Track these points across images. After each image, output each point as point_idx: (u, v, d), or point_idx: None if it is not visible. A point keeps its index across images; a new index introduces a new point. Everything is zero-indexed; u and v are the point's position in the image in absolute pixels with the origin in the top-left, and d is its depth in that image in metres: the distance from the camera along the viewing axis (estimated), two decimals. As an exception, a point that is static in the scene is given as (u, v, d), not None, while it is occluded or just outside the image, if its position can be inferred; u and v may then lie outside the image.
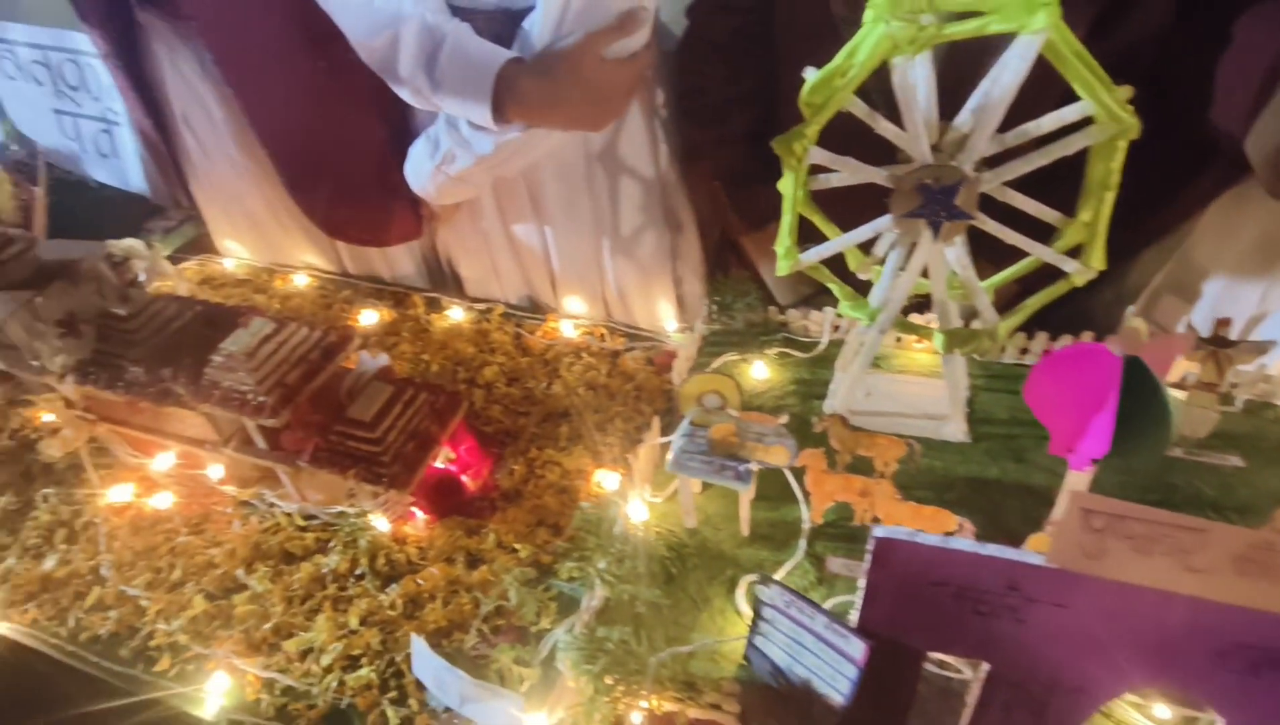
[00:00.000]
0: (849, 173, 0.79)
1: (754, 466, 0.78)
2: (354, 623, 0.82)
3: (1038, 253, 0.78)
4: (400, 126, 1.16)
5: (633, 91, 0.96)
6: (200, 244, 1.40)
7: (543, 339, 1.17)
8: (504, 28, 0.96)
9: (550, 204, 1.13)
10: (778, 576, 0.78)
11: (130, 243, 1.08)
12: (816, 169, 0.81)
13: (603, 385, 1.08)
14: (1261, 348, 0.85)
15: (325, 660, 0.79)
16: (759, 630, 0.69)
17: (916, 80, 0.72)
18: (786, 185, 0.81)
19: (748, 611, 0.76)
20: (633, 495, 0.86)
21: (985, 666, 0.61)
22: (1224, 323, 0.85)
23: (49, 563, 0.91)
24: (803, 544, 0.81)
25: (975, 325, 0.85)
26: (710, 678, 0.69)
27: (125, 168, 1.41)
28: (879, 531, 0.56)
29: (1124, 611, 0.54)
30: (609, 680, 0.68)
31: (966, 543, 0.55)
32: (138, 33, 1.16)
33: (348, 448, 0.88)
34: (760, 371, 1.02)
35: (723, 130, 1.03)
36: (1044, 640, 0.57)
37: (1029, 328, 0.95)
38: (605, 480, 0.94)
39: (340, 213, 1.21)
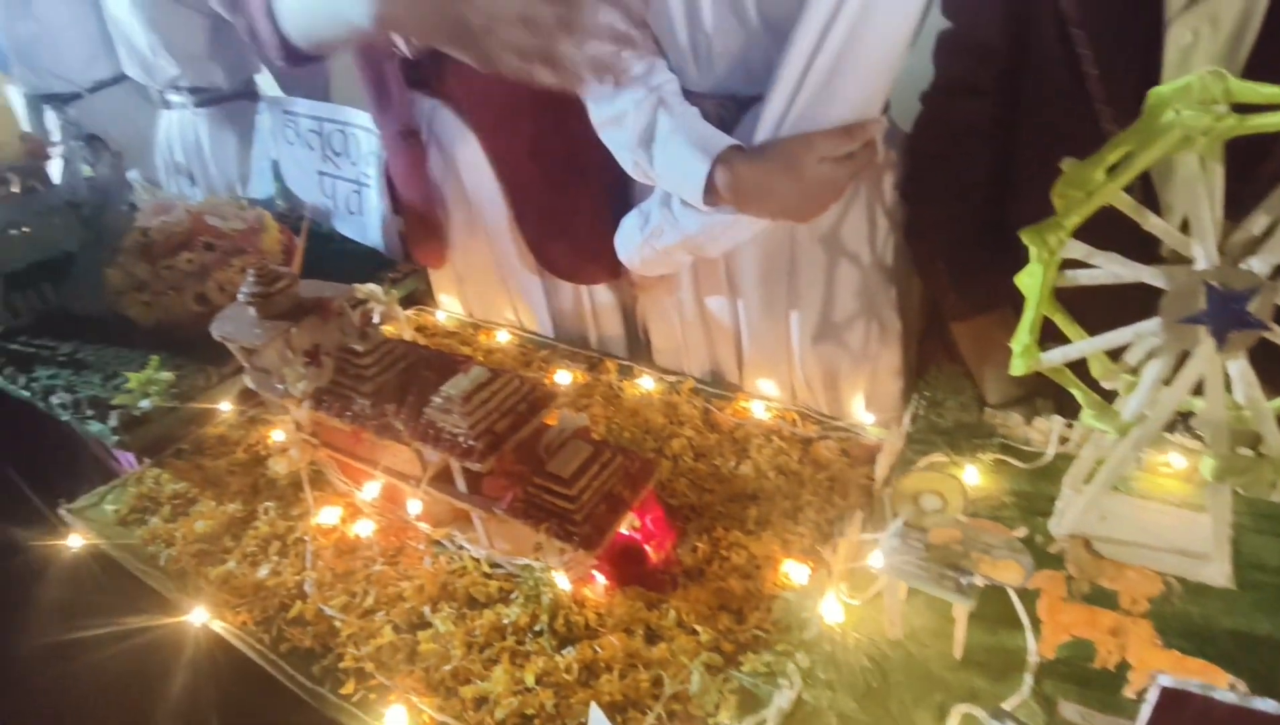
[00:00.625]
0: (1113, 270, 0.72)
1: (978, 580, 0.70)
2: (530, 680, 0.81)
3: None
4: (619, 188, 1.23)
5: (845, 190, 0.95)
6: (416, 296, 1.54)
7: (732, 417, 1.15)
8: (730, 114, 0.99)
9: (747, 281, 1.13)
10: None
11: (371, 287, 1.19)
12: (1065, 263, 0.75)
13: (794, 472, 1.04)
14: None
15: (499, 714, 0.78)
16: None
17: (1206, 175, 0.65)
18: (1032, 279, 0.75)
19: (961, 743, 0.67)
20: (828, 592, 0.80)
21: None
22: None
23: (262, 571, 0.98)
24: (1028, 680, 0.71)
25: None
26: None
27: (367, 225, 1.58)
28: (1165, 680, 0.48)
29: None
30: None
31: (1273, 704, 0.46)
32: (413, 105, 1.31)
33: (543, 501, 0.89)
34: (972, 477, 0.94)
35: (953, 211, 1.00)
36: None
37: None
38: (794, 571, 0.89)
39: (556, 248, 1.31)
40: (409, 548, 1.00)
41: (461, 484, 0.95)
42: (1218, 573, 0.79)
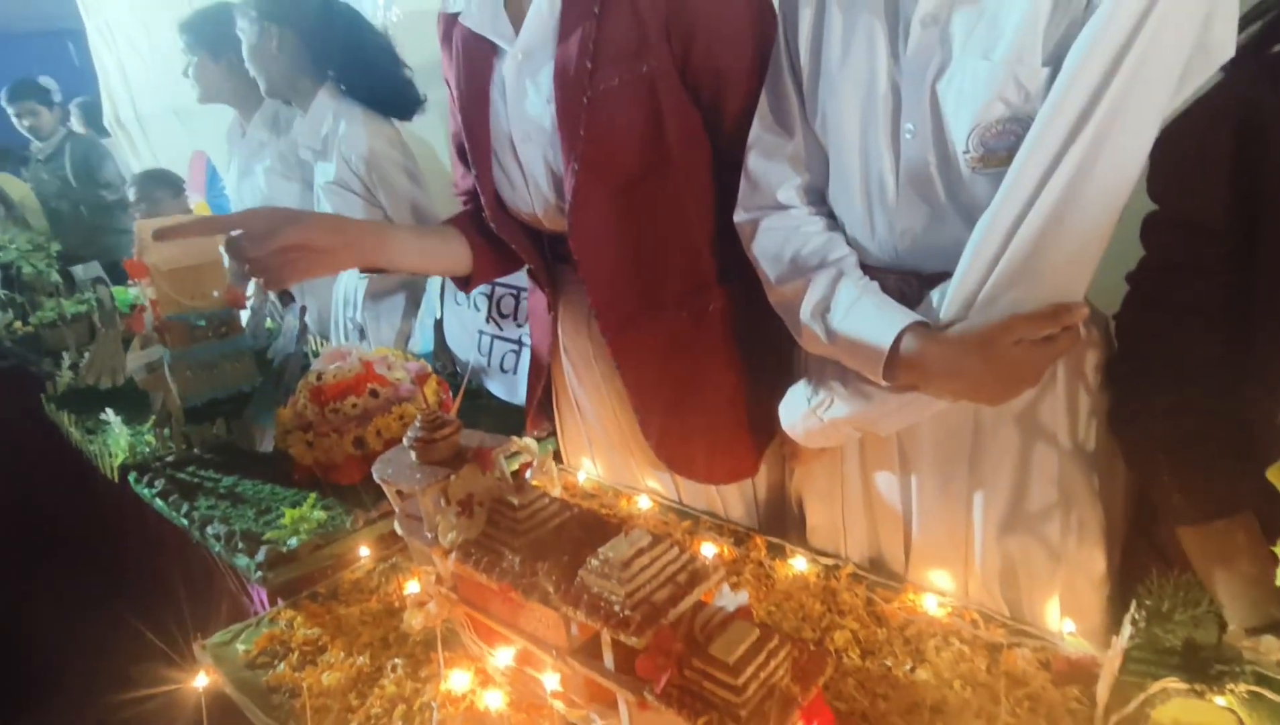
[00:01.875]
0: None
1: None
2: None
3: None
4: (758, 372, 1.20)
5: (1042, 376, 0.89)
6: (558, 455, 1.53)
7: (900, 610, 1.03)
8: (912, 290, 0.97)
9: (923, 459, 1.05)
10: None
11: (527, 441, 1.19)
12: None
13: (983, 684, 0.89)
14: None
15: None
16: None
17: None
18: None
19: None
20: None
21: None
22: None
23: (388, 740, 0.91)
24: None
25: None
26: None
27: (517, 384, 1.62)
28: None
29: None
30: None
31: None
32: (554, 276, 1.36)
33: (702, 690, 0.79)
34: (1217, 711, 0.77)
35: (1166, 397, 0.90)
36: None
37: None
38: (999, 813, 0.74)
39: (680, 448, 1.26)
40: (541, 727, 0.91)
41: (609, 660, 0.87)
42: None
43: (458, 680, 0.98)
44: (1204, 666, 0.82)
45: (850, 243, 0.99)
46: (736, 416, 1.19)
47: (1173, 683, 0.81)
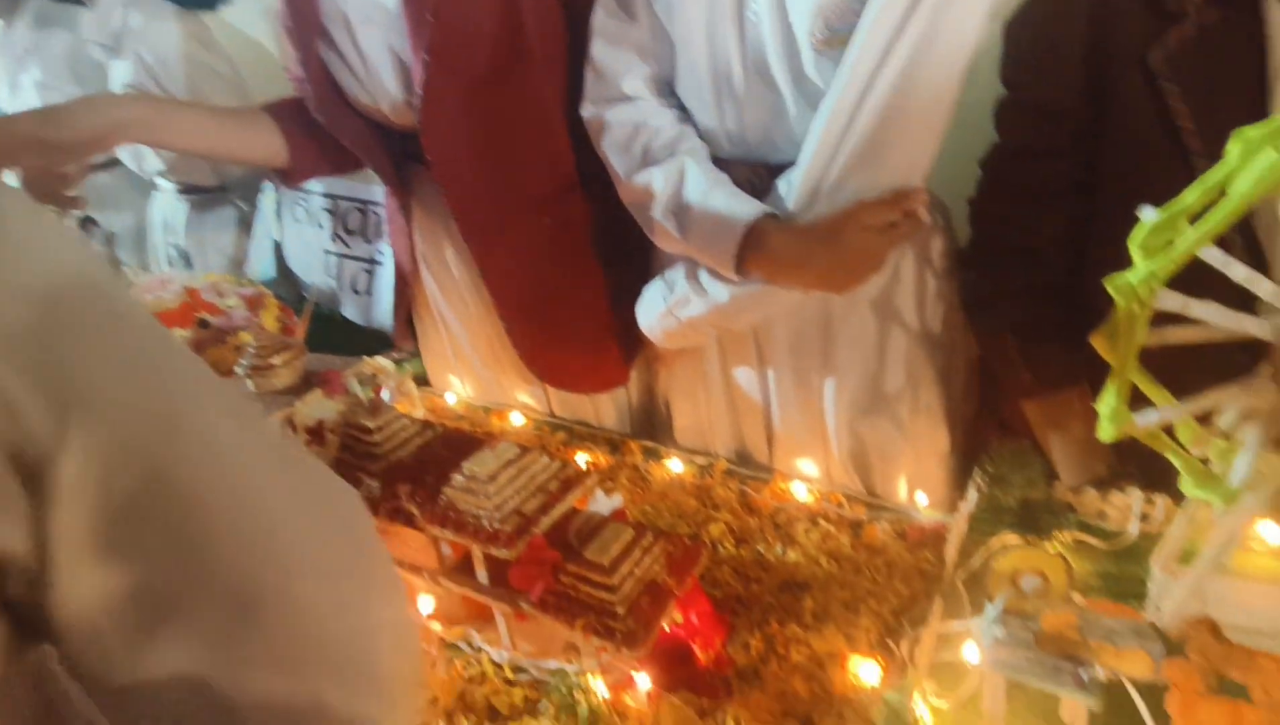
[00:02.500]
0: (1212, 322, 0.67)
1: (1100, 673, 0.61)
2: (570, 808, 0.68)
3: None
4: (623, 278, 1.18)
5: (886, 262, 0.91)
6: (423, 378, 1.45)
7: (771, 499, 1.07)
8: (762, 181, 0.96)
9: (778, 351, 1.07)
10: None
11: (381, 361, 1.12)
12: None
13: (847, 557, 0.94)
14: None
15: (534, 851, 0.66)
16: None
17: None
18: (1122, 335, 0.69)
19: None
20: (915, 694, 0.70)
21: None
22: None
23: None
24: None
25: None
26: None
27: (372, 305, 1.52)
28: None
29: None
30: None
31: None
32: (406, 178, 1.26)
33: (578, 593, 0.79)
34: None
35: (1016, 280, 0.95)
36: None
37: None
38: (863, 670, 0.78)
39: (551, 357, 1.22)
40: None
41: (483, 576, 0.85)
42: (1354, 662, 0.69)
43: (324, 615, 0.93)
44: (1036, 521, 0.90)
45: (701, 135, 0.96)
46: (605, 324, 1.16)
47: (1010, 537, 0.88)
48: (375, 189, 1.49)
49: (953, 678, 0.73)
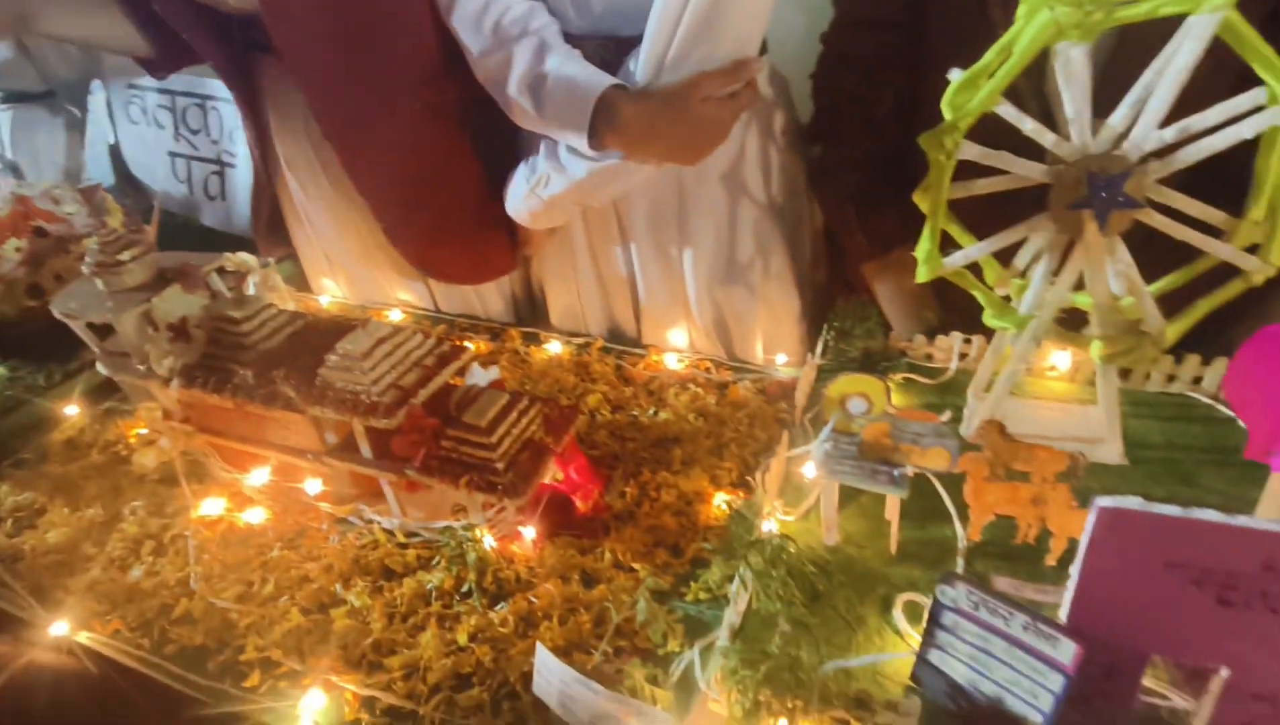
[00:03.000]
0: (1004, 167, 0.76)
1: (909, 470, 0.72)
2: (463, 640, 0.75)
3: (1212, 249, 0.73)
4: (498, 165, 1.18)
5: (730, 131, 0.95)
6: (296, 282, 1.42)
7: (645, 371, 1.14)
8: (611, 55, 0.98)
9: (638, 228, 1.12)
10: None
11: (244, 256, 1.09)
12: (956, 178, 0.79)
13: (713, 413, 1.03)
14: None
15: (432, 678, 0.72)
16: (935, 642, 0.61)
17: (1079, 68, 0.70)
18: (933, 185, 0.78)
19: (908, 629, 0.68)
20: (765, 511, 0.79)
21: (1224, 675, 0.52)
22: None
23: (135, 573, 0.86)
24: (960, 564, 0.73)
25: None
26: (880, 699, 0.61)
27: (231, 210, 1.45)
28: (1104, 501, 0.50)
29: None
30: (764, 697, 0.60)
31: (1214, 514, 0.48)
32: (253, 72, 1.19)
33: (460, 455, 0.83)
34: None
35: (857, 150, 1.02)
36: (1314, 636, 0.49)
37: (1176, 350, 0.89)
38: (725, 503, 0.88)
39: (437, 252, 1.21)
40: (311, 530, 0.91)
41: (366, 450, 0.88)
42: (1112, 451, 0.84)
43: (210, 506, 0.94)
44: (874, 367, 1.01)
45: (552, 12, 0.97)
46: (489, 212, 1.15)
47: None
48: (214, 82, 1.40)
49: (799, 499, 0.83)
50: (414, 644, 0.75)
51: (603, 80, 0.89)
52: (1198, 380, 0.93)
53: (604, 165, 0.94)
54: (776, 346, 1.14)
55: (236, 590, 0.83)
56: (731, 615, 0.69)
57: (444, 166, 1.14)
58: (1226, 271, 0.74)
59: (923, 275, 0.82)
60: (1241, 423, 0.87)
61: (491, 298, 1.31)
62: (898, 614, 0.69)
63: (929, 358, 1.02)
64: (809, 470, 0.81)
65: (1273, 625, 0.49)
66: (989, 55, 0.75)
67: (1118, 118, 0.73)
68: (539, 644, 0.67)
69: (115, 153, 1.54)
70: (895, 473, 0.71)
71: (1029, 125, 0.76)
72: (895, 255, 1.05)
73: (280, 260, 1.39)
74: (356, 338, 0.85)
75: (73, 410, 1.12)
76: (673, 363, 1.14)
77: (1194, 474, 0.82)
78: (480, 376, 0.94)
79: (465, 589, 0.81)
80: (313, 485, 0.93)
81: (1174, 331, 0.76)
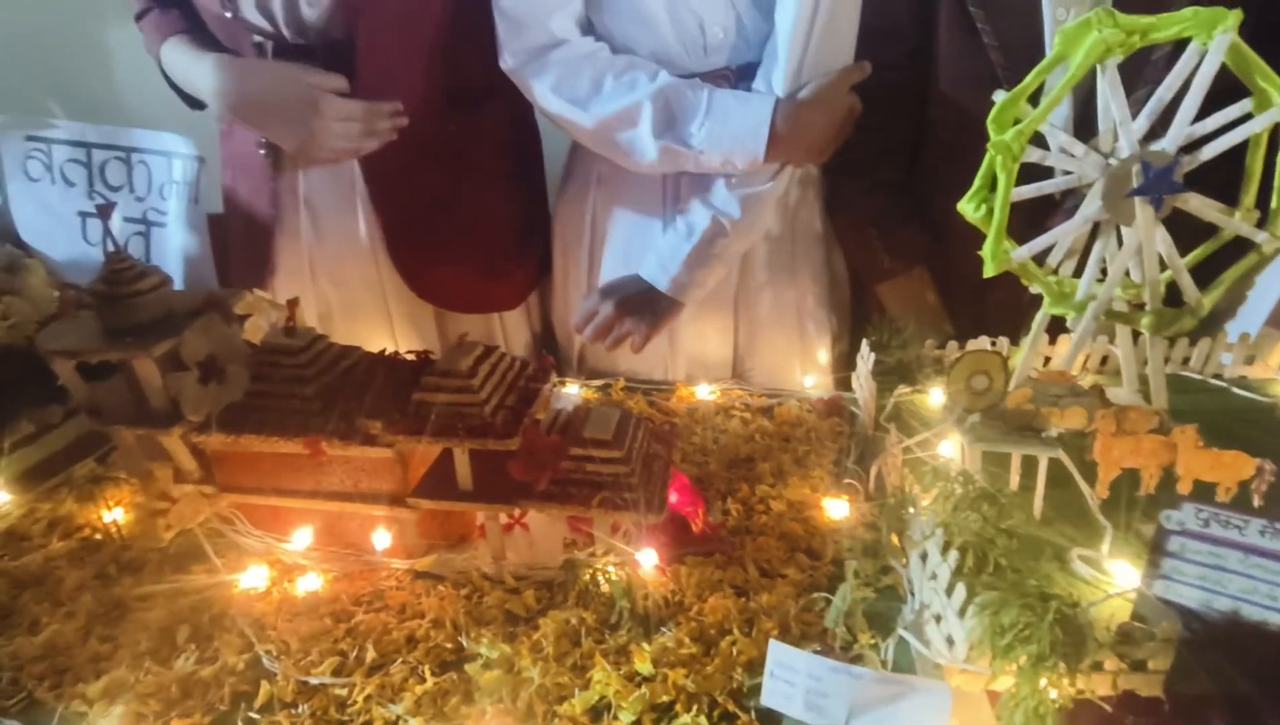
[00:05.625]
0: (1065, 168, 0.87)
1: (1053, 432, 0.76)
2: (645, 669, 0.66)
3: (1230, 226, 0.87)
4: (520, 202, 1.16)
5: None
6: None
7: (679, 404, 1.11)
8: (729, 85, 1.03)
9: None
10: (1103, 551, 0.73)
11: (259, 294, 0.95)
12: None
13: (773, 433, 1.03)
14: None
15: (627, 717, 0.63)
16: (1160, 572, 0.63)
17: (1117, 80, 0.83)
18: (1001, 185, 0.87)
19: (1094, 574, 0.70)
20: (909, 496, 0.80)
21: None
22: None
23: (182, 663, 0.68)
24: (1102, 519, 0.77)
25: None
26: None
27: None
28: None
29: None
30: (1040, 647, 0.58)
31: None
32: None
33: (586, 474, 0.76)
34: (939, 398, 1.01)
35: (876, 177, 1.11)
36: None
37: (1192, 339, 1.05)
38: (834, 507, 0.87)
39: (441, 275, 1.17)
40: (387, 591, 0.78)
41: (466, 482, 0.77)
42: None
43: (253, 577, 0.77)
44: (914, 374, 1.07)
45: (653, 60, 1.00)
46: (505, 243, 1.12)
47: (904, 389, 1.04)
48: (140, 132, 1.25)
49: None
50: (585, 683, 0.66)
51: (764, 95, 0.96)
52: (1185, 361, 1.08)
53: (758, 192, 1.00)
54: (813, 369, 1.17)
55: (330, 664, 0.68)
56: (943, 565, 0.67)
57: (466, 188, 1.12)
58: (1241, 248, 0.88)
59: (990, 270, 0.90)
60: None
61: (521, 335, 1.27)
62: (1080, 566, 0.71)
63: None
64: (946, 449, 0.83)
65: None
66: (1029, 78, 0.87)
67: (1138, 125, 0.87)
68: (772, 642, 0.61)
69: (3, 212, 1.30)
70: (1043, 434, 0.75)
71: (1061, 137, 0.88)
72: (915, 273, 1.14)
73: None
74: (454, 356, 0.77)
75: (2, 497, 0.89)
76: (705, 393, 1.13)
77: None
78: (567, 400, 0.88)
79: (613, 620, 0.72)
80: (381, 539, 0.80)
81: (1209, 300, 0.89)
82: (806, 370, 1.19)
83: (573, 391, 0.89)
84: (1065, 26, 0.84)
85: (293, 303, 0.81)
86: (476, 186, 1.11)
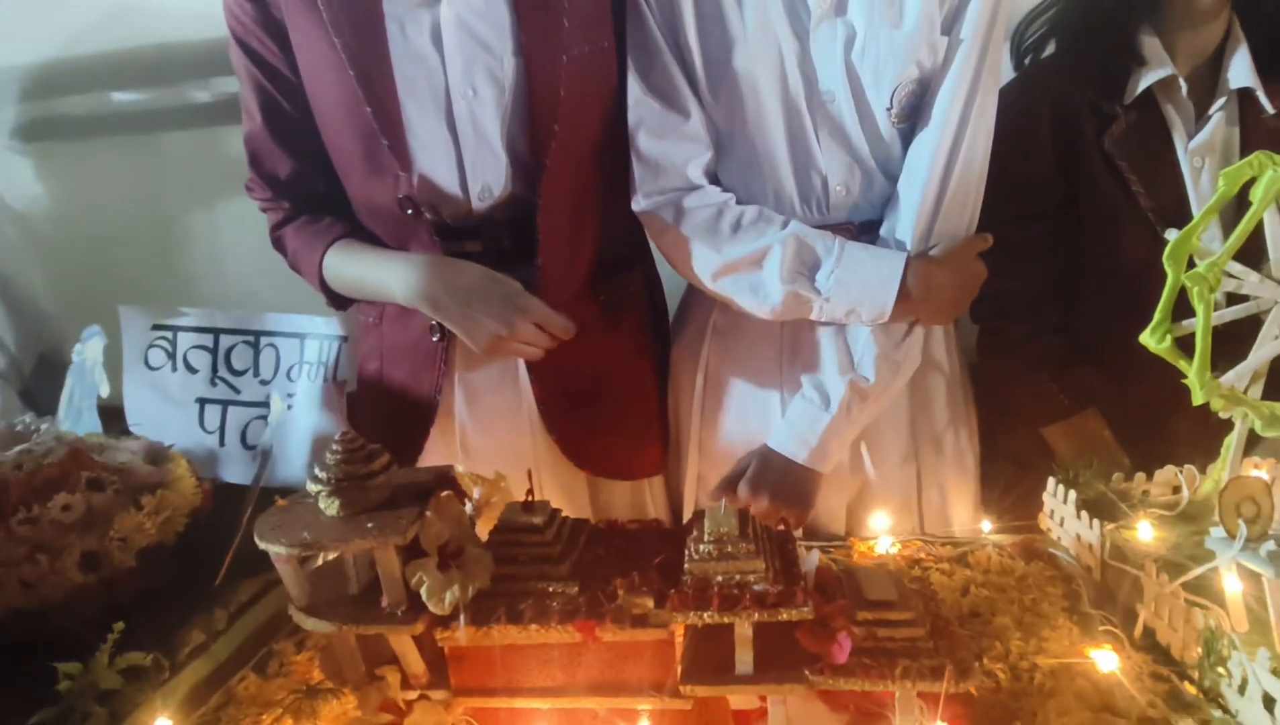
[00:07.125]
0: (1255, 294, 0.89)
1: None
2: None
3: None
4: (661, 364, 1.16)
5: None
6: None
7: (860, 560, 1.05)
8: (852, 238, 1.05)
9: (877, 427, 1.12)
10: None
11: (470, 471, 0.89)
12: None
13: (984, 582, 0.97)
14: None
15: None
16: None
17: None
18: (1200, 315, 0.89)
19: None
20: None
21: None
22: None
23: None
24: None
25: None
26: None
27: (280, 458, 1.20)
28: None
29: None
30: None
31: None
32: None
33: (879, 641, 0.69)
34: (1147, 532, 0.98)
35: (1040, 322, 1.15)
36: None
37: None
38: (1101, 658, 0.80)
39: (597, 444, 1.14)
40: (660, 800, 0.67)
41: (746, 663, 0.69)
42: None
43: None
44: (1108, 507, 1.04)
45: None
46: (652, 409, 1.10)
47: (1109, 524, 1.00)
48: (271, 316, 1.24)
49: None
50: None
51: (894, 251, 0.97)
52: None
53: (894, 357, 1.00)
54: (987, 512, 1.13)
55: None
56: None
57: (616, 360, 1.13)
58: None
59: (1199, 398, 0.90)
60: None
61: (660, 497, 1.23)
62: None
63: (1147, 494, 1.07)
64: (1231, 584, 0.78)
65: None
66: (1200, 217, 0.91)
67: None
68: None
69: (104, 410, 1.24)
70: (1351, 560, 0.72)
71: (1235, 267, 0.92)
72: (1089, 411, 1.14)
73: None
74: (721, 519, 0.72)
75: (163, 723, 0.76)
76: (886, 546, 1.08)
77: None
78: (811, 561, 0.82)
79: (950, 813, 0.63)
80: (647, 738, 0.70)
81: None
82: (969, 514, 1.15)
83: (809, 557, 0.84)
84: (1228, 170, 0.91)
85: (530, 475, 0.76)
86: (625, 354, 1.13)
